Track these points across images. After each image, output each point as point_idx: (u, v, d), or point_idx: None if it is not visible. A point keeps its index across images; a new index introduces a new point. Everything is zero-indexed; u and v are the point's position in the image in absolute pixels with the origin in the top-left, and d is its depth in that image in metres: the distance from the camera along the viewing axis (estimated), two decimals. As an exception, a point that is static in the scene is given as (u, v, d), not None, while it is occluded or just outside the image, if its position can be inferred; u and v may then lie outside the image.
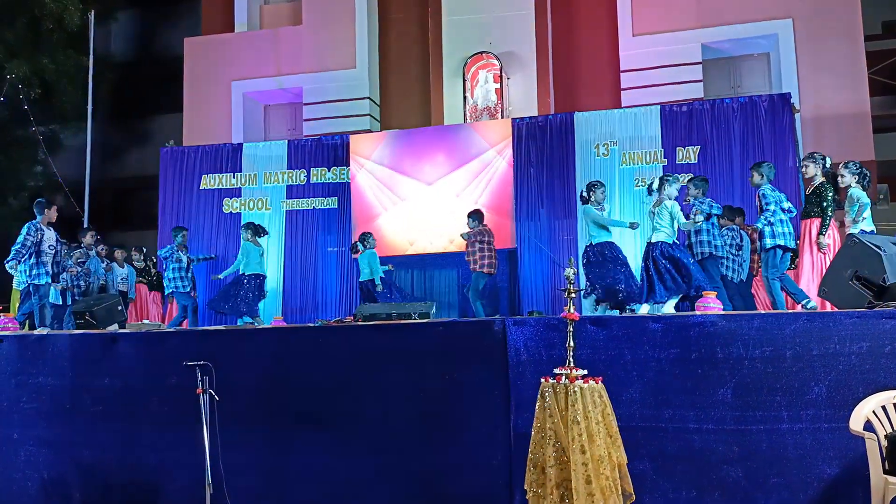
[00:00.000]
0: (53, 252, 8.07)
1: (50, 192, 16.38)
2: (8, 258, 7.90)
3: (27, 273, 7.93)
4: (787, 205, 7.01)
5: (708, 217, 7.28)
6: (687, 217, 7.30)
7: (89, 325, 6.74)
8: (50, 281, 8.06)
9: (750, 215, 8.54)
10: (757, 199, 7.10)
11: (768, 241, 6.85)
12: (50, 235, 8.09)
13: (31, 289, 7.94)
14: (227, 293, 9.70)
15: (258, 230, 9.91)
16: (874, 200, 7.03)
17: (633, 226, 8.07)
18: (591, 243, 7.76)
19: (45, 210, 8.11)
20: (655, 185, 7.32)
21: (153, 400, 5.62)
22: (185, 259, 9.94)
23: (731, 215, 8.24)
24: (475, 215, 9.38)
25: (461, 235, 9.46)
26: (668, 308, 6.82)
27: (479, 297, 9.09)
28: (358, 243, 9.78)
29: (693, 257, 7.12)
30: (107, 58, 17.36)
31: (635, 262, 8.21)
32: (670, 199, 7.14)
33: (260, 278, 9.77)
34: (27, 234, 7.91)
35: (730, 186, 9.39)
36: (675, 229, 7.10)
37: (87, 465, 5.69)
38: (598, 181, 8.22)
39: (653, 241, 7.03)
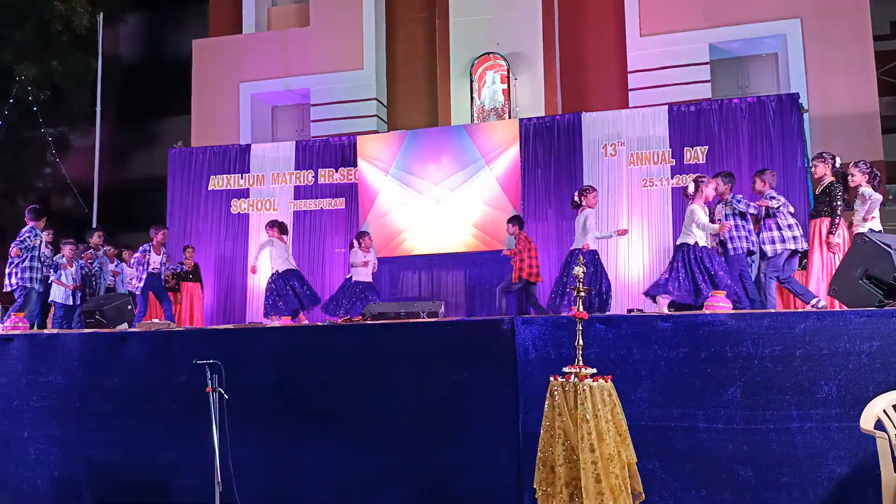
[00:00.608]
0: (43, 259, 8.31)
1: (59, 194, 16.52)
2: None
3: (18, 275, 8.12)
4: (791, 209, 6.98)
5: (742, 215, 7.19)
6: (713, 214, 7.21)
7: (99, 324, 6.76)
8: (39, 288, 8.26)
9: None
10: (763, 202, 7.03)
11: (779, 247, 6.81)
12: (44, 240, 8.32)
13: (21, 291, 8.13)
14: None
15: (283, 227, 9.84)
16: (884, 201, 7.00)
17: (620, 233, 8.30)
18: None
19: (42, 217, 8.32)
20: (692, 189, 6.95)
21: (163, 398, 5.64)
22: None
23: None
24: (515, 221, 9.25)
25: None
26: (663, 306, 6.75)
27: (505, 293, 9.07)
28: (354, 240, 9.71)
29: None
30: (115, 59, 17.45)
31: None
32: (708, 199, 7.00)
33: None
34: (29, 235, 8.09)
35: (738, 186, 9.34)
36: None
37: (96, 463, 5.72)
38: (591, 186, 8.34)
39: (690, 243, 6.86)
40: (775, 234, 6.84)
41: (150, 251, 9.59)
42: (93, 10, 14.89)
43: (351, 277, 9.50)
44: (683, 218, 7.12)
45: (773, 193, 6.99)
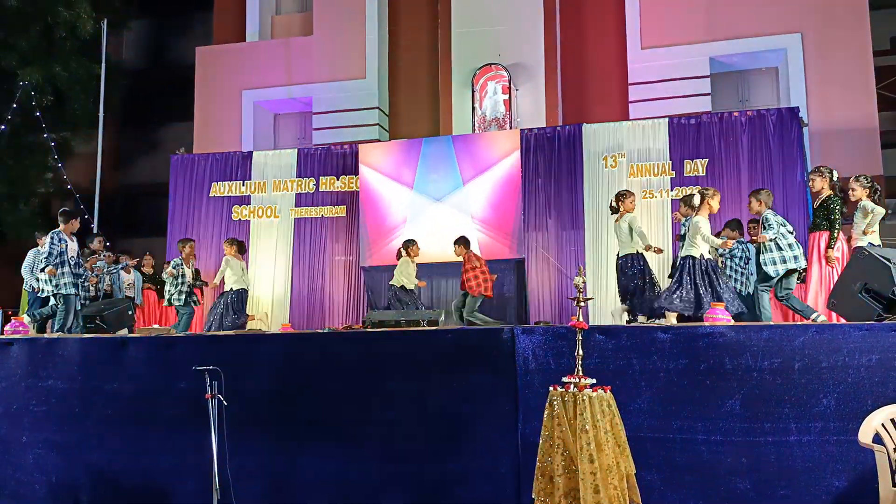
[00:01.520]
0: (75, 263, 8.10)
1: (60, 199, 16.53)
2: (41, 267, 7.91)
3: (50, 282, 7.94)
4: (789, 227, 6.97)
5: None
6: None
7: (99, 329, 6.78)
8: (75, 292, 8.04)
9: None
10: (760, 224, 7.01)
11: (780, 268, 6.77)
12: (73, 246, 8.09)
13: (56, 298, 7.93)
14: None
15: (241, 246, 9.95)
16: (885, 215, 7.01)
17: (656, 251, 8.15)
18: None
19: (71, 220, 8.16)
20: (697, 201, 6.94)
21: (162, 404, 5.65)
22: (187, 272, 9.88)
23: (736, 228, 8.25)
24: (461, 242, 9.36)
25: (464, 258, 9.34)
26: (671, 318, 6.75)
27: (473, 313, 9.10)
28: (401, 248, 9.75)
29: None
30: (119, 66, 17.48)
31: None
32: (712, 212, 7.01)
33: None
34: (52, 242, 7.93)
35: (738, 200, 9.39)
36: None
37: (95, 468, 5.72)
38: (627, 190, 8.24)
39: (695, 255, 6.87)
40: (776, 255, 6.81)
41: (182, 265, 9.69)
42: (97, 17, 14.94)
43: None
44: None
45: (769, 215, 6.94)
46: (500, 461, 4.97)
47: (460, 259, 9.31)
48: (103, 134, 14.01)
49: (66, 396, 5.89)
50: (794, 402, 4.59)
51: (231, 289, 9.62)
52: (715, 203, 6.95)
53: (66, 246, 7.94)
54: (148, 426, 5.67)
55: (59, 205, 16.81)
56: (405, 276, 9.43)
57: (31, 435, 5.92)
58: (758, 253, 7.02)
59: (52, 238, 7.93)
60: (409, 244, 9.62)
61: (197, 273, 10.16)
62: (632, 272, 7.77)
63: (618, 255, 7.99)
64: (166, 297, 9.69)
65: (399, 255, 9.66)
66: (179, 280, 9.57)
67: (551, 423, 3.88)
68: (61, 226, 8.05)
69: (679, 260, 6.98)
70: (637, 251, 7.82)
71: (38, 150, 16.04)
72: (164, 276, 9.66)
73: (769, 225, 6.85)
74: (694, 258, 6.73)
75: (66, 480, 5.78)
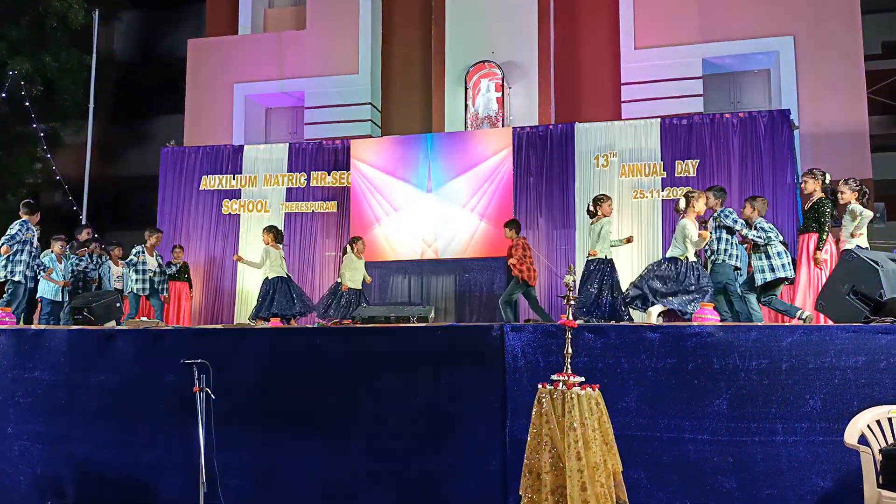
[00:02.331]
0: (34, 255, 8.31)
1: (49, 190, 16.41)
2: None
3: (5, 267, 8.04)
4: (780, 237, 7.01)
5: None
6: (705, 223, 7.26)
7: (87, 321, 6.73)
8: (29, 283, 8.20)
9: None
10: (750, 237, 7.02)
11: (768, 276, 6.81)
12: (35, 237, 8.25)
13: (7, 283, 8.07)
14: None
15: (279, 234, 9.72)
16: (873, 218, 7.06)
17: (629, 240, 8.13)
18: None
19: (37, 212, 8.29)
20: (682, 205, 7.01)
21: (149, 397, 5.62)
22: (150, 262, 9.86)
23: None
24: (512, 225, 9.08)
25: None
26: (653, 316, 6.75)
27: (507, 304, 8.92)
28: (347, 246, 9.63)
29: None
30: (110, 57, 17.36)
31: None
32: (700, 213, 7.00)
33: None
34: (20, 229, 8.04)
35: (728, 201, 9.41)
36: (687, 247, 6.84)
37: (81, 461, 5.69)
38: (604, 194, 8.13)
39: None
40: (765, 262, 6.86)
41: (143, 253, 9.66)
42: (88, 7, 14.82)
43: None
44: (673, 230, 7.17)
45: (763, 223, 6.99)
46: (487, 458, 4.97)
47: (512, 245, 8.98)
48: (93, 125, 13.91)
49: (52, 388, 5.85)
50: (780, 402, 4.61)
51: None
52: (700, 205, 6.99)
53: (33, 235, 8.07)
54: (135, 419, 5.64)
55: (48, 196, 16.73)
56: (348, 273, 9.29)
57: (16, 427, 5.88)
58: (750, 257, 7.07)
59: (21, 225, 8.19)
60: (354, 241, 9.52)
61: (169, 265, 10.15)
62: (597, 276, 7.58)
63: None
64: (129, 285, 9.70)
65: (344, 252, 9.54)
66: (140, 268, 9.56)
67: (539, 420, 3.88)
68: (27, 216, 8.15)
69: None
70: (606, 256, 7.65)
71: (27, 140, 15.91)
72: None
73: (760, 228, 6.90)
74: (677, 259, 6.77)
75: (51, 472, 5.75)
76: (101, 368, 5.78)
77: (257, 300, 9.34)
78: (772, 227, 7.01)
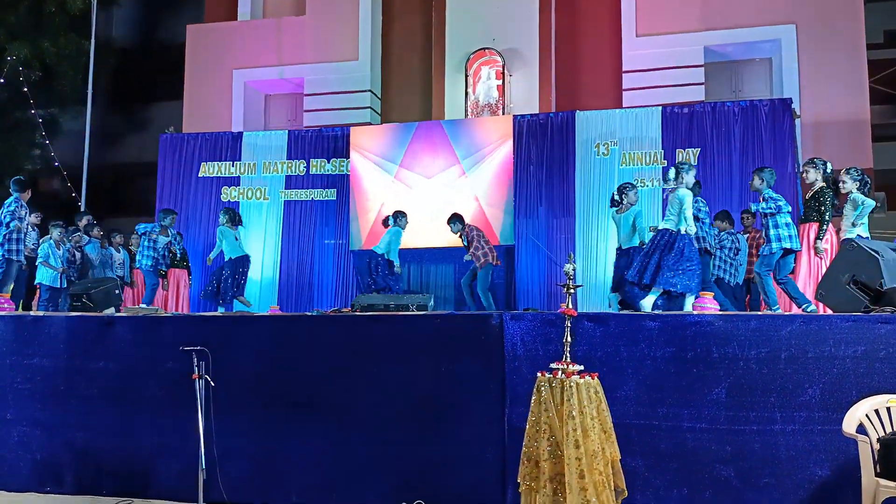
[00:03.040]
0: (25, 234, 8.27)
1: (48, 176, 16.38)
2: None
3: (3, 246, 7.98)
4: (788, 208, 6.96)
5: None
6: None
7: (86, 307, 6.72)
8: (22, 260, 8.16)
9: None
10: (761, 200, 6.95)
11: (774, 246, 6.76)
12: (27, 216, 8.23)
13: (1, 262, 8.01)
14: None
15: (235, 217, 9.96)
16: (875, 207, 7.02)
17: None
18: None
19: (28, 189, 8.20)
20: (672, 175, 6.90)
21: (148, 384, 5.62)
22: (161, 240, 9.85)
23: (726, 219, 8.26)
24: (457, 219, 9.36)
25: (460, 237, 9.40)
26: (647, 303, 6.68)
27: (489, 290, 9.08)
28: (390, 217, 9.68)
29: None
30: (108, 43, 17.29)
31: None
32: (687, 187, 6.87)
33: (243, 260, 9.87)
34: (19, 205, 7.98)
35: (728, 190, 9.43)
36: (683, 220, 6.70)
37: (80, 447, 5.69)
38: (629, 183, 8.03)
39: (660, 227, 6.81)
40: (772, 232, 6.78)
41: (157, 230, 9.79)
42: (87, -8, 14.76)
43: None
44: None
45: (772, 193, 6.93)
46: (486, 446, 4.97)
47: (458, 237, 9.26)
48: (92, 111, 13.86)
49: (51, 375, 5.84)
50: (779, 391, 4.61)
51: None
52: (690, 178, 6.81)
53: (26, 213, 8.01)
54: (134, 406, 5.64)
55: (47, 182, 16.69)
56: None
57: (15, 412, 5.88)
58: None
59: (16, 202, 8.11)
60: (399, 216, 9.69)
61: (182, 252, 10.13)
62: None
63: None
64: (141, 261, 9.70)
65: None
66: (150, 244, 9.56)
67: (538, 408, 3.89)
68: (20, 193, 8.07)
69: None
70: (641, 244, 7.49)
71: (26, 126, 15.88)
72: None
73: (768, 197, 6.81)
74: (670, 231, 6.65)
75: (50, 458, 5.75)
76: (100, 355, 5.77)
77: (226, 281, 9.60)
78: (779, 196, 6.92)
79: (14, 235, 8.02)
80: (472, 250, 9.10)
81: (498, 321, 5.07)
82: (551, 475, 3.81)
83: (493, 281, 9.24)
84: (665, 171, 9.56)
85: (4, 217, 8.04)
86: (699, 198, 7.57)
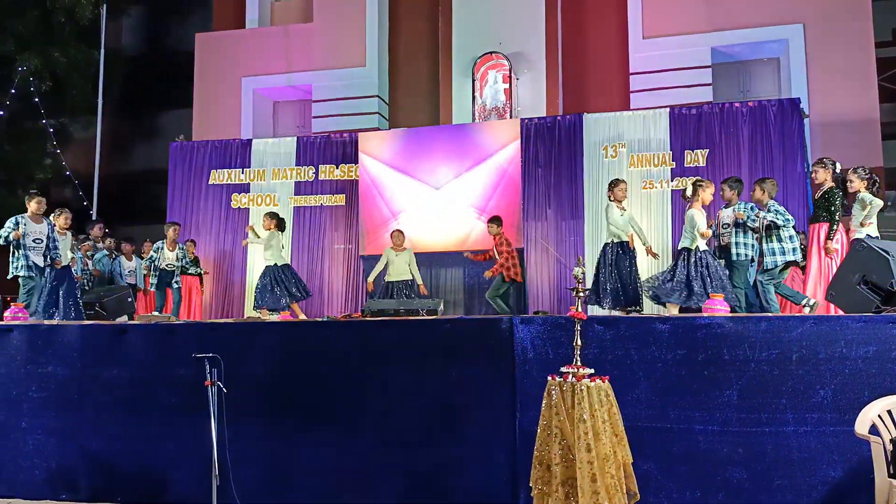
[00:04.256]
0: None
1: (59, 185, 16.50)
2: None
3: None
4: (793, 221, 6.98)
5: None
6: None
7: (99, 315, 6.78)
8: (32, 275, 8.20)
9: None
10: (769, 212, 6.94)
11: (779, 259, 6.81)
12: (35, 228, 8.10)
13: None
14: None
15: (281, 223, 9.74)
16: (884, 207, 7.01)
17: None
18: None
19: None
20: (689, 192, 6.97)
21: (161, 391, 5.65)
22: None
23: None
24: (499, 222, 9.17)
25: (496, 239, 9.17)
26: (672, 309, 6.81)
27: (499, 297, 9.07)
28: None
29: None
30: (118, 52, 17.42)
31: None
32: (704, 204, 6.93)
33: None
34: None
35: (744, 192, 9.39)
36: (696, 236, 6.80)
37: (94, 454, 5.73)
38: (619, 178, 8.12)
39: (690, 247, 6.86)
40: (776, 245, 6.85)
41: (163, 248, 9.87)
42: (96, 2, 14.90)
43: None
44: (683, 220, 7.15)
45: (776, 205, 6.97)
46: (497, 450, 4.98)
47: (494, 239, 9.11)
48: (102, 120, 13.98)
49: (65, 383, 5.89)
50: (791, 393, 4.60)
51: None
52: (707, 194, 6.96)
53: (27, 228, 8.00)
54: (147, 413, 5.68)
55: (58, 191, 16.82)
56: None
57: (30, 421, 5.92)
58: (761, 244, 7.03)
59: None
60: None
61: (195, 260, 10.17)
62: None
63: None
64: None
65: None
66: (155, 265, 9.62)
67: (549, 412, 3.89)
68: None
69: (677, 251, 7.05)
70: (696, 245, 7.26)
71: (37, 135, 16.02)
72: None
73: (776, 211, 6.85)
74: (688, 250, 6.79)
75: (65, 466, 5.79)
76: (113, 363, 5.81)
77: (256, 289, 9.38)
78: (784, 210, 6.98)
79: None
80: (503, 262, 8.91)
81: (508, 325, 5.08)
82: (563, 479, 3.81)
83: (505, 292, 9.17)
84: (673, 172, 9.57)
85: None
86: (753, 206, 7.22)
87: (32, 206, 7.99)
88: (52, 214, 8.42)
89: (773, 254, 6.84)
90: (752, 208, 7.08)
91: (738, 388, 4.68)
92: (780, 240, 6.83)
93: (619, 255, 7.66)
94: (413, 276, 9.48)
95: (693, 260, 6.74)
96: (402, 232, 9.69)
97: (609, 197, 7.94)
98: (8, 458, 5.92)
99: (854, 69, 10.84)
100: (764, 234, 6.98)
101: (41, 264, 7.91)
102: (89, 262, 9.76)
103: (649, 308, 7.92)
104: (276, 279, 9.25)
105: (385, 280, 9.54)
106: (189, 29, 16.08)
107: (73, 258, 8.71)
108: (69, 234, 8.65)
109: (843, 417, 4.44)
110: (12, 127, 15.66)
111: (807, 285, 7.09)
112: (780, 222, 6.82)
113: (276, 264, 9.34)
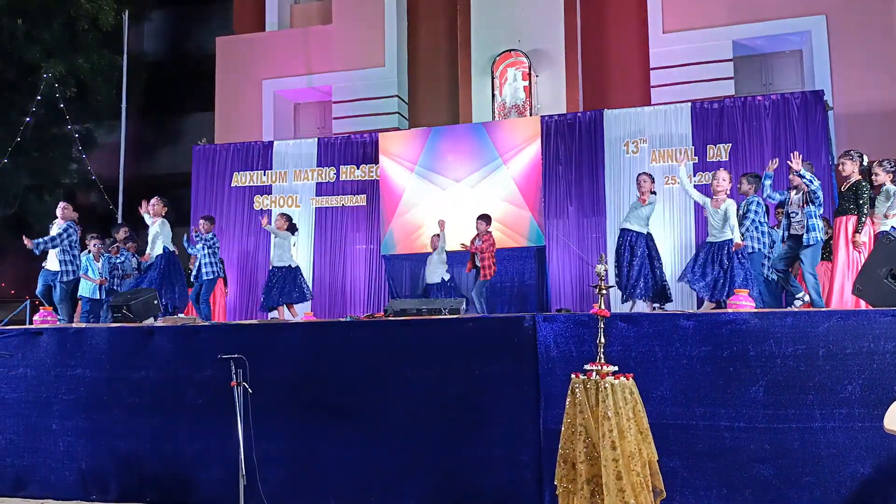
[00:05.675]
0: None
1: (85, 190, 16.74)
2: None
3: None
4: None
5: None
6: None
7: (126, 318, 6.86)
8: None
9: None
10: (803, 189, 6.85)
11: (820, 235, 6.73)
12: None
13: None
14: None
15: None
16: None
17: None
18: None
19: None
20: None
21: (188, 392, 5.73)
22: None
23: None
24: (488, 220, 9.26)
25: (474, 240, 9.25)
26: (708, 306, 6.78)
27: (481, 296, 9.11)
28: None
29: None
30: (140, 57, 17.63)
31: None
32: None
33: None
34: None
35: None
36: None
37: (123, 455, 5.82)
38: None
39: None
40: (818, 222, 6.74)
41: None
42: (118, 8, 15.07)
43: None
44: (704, 214, 7.12)
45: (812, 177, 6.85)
46: (521, 448, 4.99)
47: (480, 235, 9.17)
48: (126, 125, 14.15)
49: (94, 385, 5.98)
50: (818, 388, 4.56)
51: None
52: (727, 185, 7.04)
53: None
54: (175, 414, 5.76)
55: (84, 196, 17.06)
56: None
57: (60, 423, 6.02)
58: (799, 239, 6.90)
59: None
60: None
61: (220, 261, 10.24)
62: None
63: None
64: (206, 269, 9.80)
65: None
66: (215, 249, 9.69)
67: (573, 410, 3.89)
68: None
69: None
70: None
71: (63, 141, 16.26)
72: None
73: (815, 194, 6.77)
74: (717, 243, 6.76)
75: (95, 467, 5.89)
76: (140, 365, 5.89)
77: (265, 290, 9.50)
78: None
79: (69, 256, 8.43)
80: (482, 258, 9.00)
81: (531, 323, 5.08)
82: (588, 477, 3.81)
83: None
84: (696, 167, 9.50)
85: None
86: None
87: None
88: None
89: (815, 229, 6.71)
90: (758, 203, 7.12)
91: (764, 384, 4.64)
92: (812, 216, 6.71)
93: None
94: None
95: (726, 252, 6.76)
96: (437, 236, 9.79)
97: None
98: (40, 459, 6.03)
99: (878, 60, 10.68)
100: (805, 209, 6.82)
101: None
102: (119, 266, 9.85)
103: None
104: (275, 280, 9.44)
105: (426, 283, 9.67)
106: (210, 33, 16.24)
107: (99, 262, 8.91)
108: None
109: (871, 413, 4.39)
110: (38, 133, 15.90)
111: (834, 279, 6.99)
112: (813, 186, 6.68)
113: (282, 266, 9.44)
